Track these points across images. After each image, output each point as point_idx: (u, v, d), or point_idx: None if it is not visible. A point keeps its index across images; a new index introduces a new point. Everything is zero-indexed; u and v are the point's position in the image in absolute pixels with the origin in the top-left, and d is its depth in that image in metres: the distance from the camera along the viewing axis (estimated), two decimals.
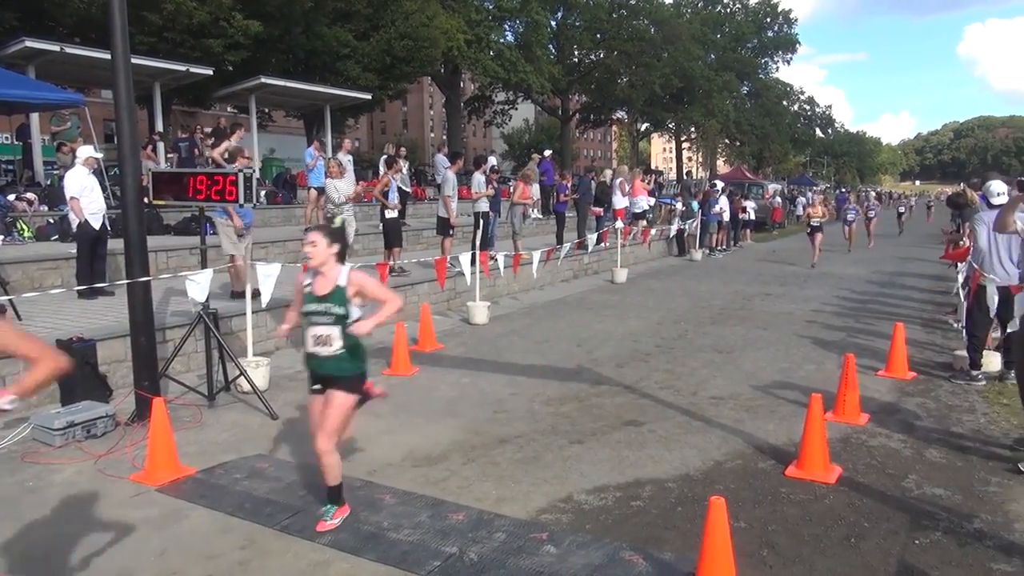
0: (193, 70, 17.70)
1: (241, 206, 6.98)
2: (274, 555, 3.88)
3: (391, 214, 11.50)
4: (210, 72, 18.42)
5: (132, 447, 5.41)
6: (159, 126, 18.29)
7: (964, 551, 3.84)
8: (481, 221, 12.77)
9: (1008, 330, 5.43)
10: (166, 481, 4.80)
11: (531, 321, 10.77)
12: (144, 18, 18.56)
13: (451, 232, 12.07)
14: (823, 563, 3.74)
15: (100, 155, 9.55)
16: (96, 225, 8.82)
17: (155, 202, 7.40)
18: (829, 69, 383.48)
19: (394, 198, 11.59)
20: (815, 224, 18.44)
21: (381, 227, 11.92)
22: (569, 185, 18.35)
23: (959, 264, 8.81)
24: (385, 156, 14.93)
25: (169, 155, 16.96)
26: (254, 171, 6.55)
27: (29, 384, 2.28)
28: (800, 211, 40.95)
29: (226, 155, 9.17)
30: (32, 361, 2.29)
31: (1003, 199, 7.13)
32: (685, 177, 40.83)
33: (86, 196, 8.73)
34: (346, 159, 14.51)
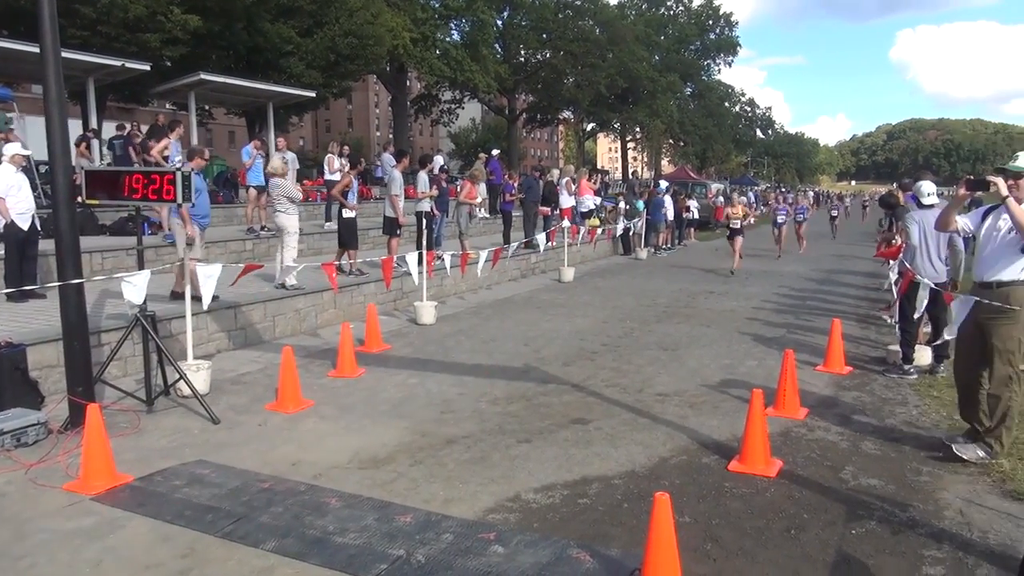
0: (129, 65, 17.15)
1: (191, 204, 6.80)
2: (216, 563, 3.79)
3: (349, 214, 11.35)
4: (147, 68, 17.86)
5: (66, 455, 5.22)
6: (93, 122, 17.70)
7: (898, 539, 3.97)
8: (424, 220, 12.70)
9: (946, 337, 5.63)
10: (102, 490, 4.64)
11: (478, 321, 10.76)
12: (77, 11, 17.97)
13: (398, 232, 11.97)
14: (765, 555, 3.82)
15: (28, 152, 9.18)
16: (24, 226, 8.49)
17: (88, 201, 7.15)
18: (769, 71, 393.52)
19: (353, 199, 11.44)
20: (735, 226, 16.74)
21: (337, 227, 11.75)
22: (515, 184, 18.40)
23: (891, 261, 9.11)
24: (347, 155, 14.63)
25: (106, 153, 16.44)
26: (192, 170, 6.38)
27: None
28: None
29: (166, 155, 8.94)
30: None
31: (933, 199, 7.39)
32: (631, 176, 41.29)
33: (13, 196, 8.39)
34: (290, 156, 14.27)
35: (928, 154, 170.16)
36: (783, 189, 61.19)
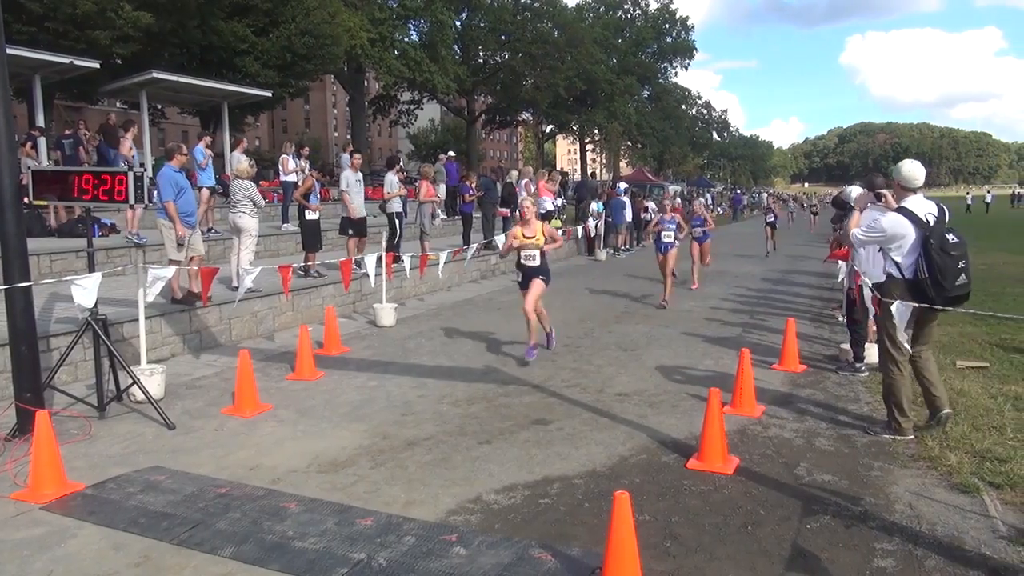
0: (77, 63, 16.75)
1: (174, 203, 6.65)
2: (172, 570, 3.72)
3: (312, 216, 11.22)
4: (96, 66, 17.46)
5: (13, 463, 5.07)
6: (40, 121, 17.21)
7: (850, 532, 4.07)
8: (396, 222, 12.65)
9: (903, 339, 5.81)
10: (52, 498, 4.52)
11: (439, 322, 10.73)
12: (22, 6, 17.46)
13: (350, 232, 11.86)
14: (723, 551, 3.88)
15: None
16: None
17: (36, 202, 6.96)
18: (724, 75, 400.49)
19: (316, 200, 11.32)
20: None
21: (297, 228, 11.62)
22: (473, 185, 18.41)
23: (840, 263, 9.31)
24: (307, 156, 14.35)
25: (53, 153, 16.00)
26: (145, 170, 6.25)
27: None
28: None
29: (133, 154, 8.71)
30: None
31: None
32: (590, 178, 41.56)
33: None
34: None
35: (877, 157, 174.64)
36: (662, 193, 61.95)
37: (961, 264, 5.25)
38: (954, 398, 6.36)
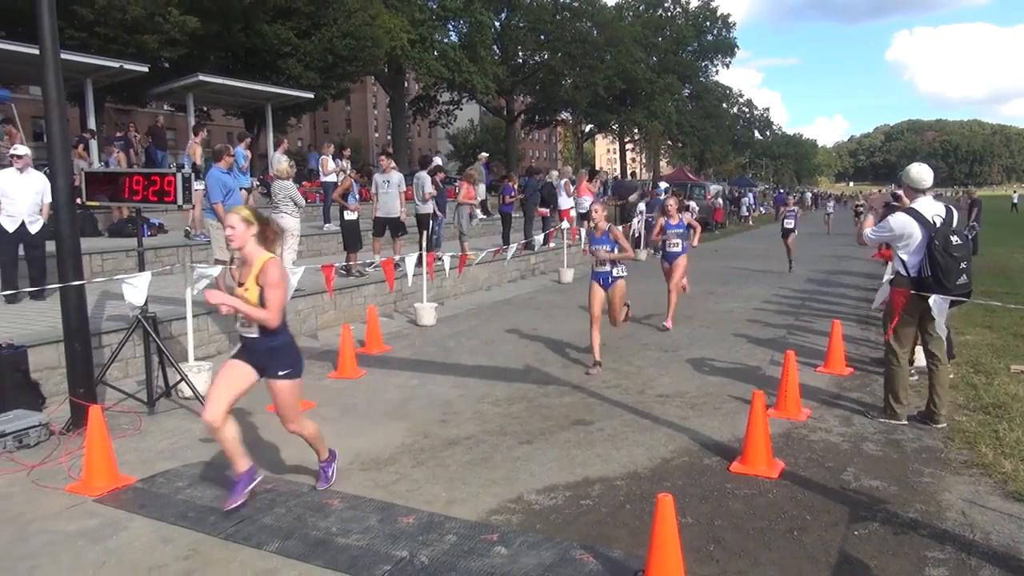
0: (127, 67, 17.17)
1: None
2: (219, 564, 3.79)
3: (351, 216, 11.34)
4: (145, 69, 17.88)
5: (67, 457, 5.22)
6: (91, 124, 17.69)
7: (900, 540, 3.98)
8: (430, 222, 12.68)
9: (938, 333, 5.77)
10: (104, 491, 4.64)
11: (479, 322, 10.76)
12: (75, 12, 17.93)
13: (377, 232, 11.95)
14: (767, 556, 3.83)
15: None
16: (12, 228, 8.44)
17: (88, 203, 7.15)
18: (766, 73, 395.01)
19: (354, 201, 11.43)
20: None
21: (340, 228, 11.76)
22: (515, 186, 18.43)
23: (888, 262, 9.10)
24: (349, 157, 14.42)
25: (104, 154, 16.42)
26: (191, 172, 6.37)
27: None
28: (744, 211, 41.56)
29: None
30: None
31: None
32: (630, 177, 41.32)
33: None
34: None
35: (926, 155, 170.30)
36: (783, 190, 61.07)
37: (963, 265, 5.47)
38: (1008, 403, 6.21)
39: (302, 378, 4.44)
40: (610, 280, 7.99)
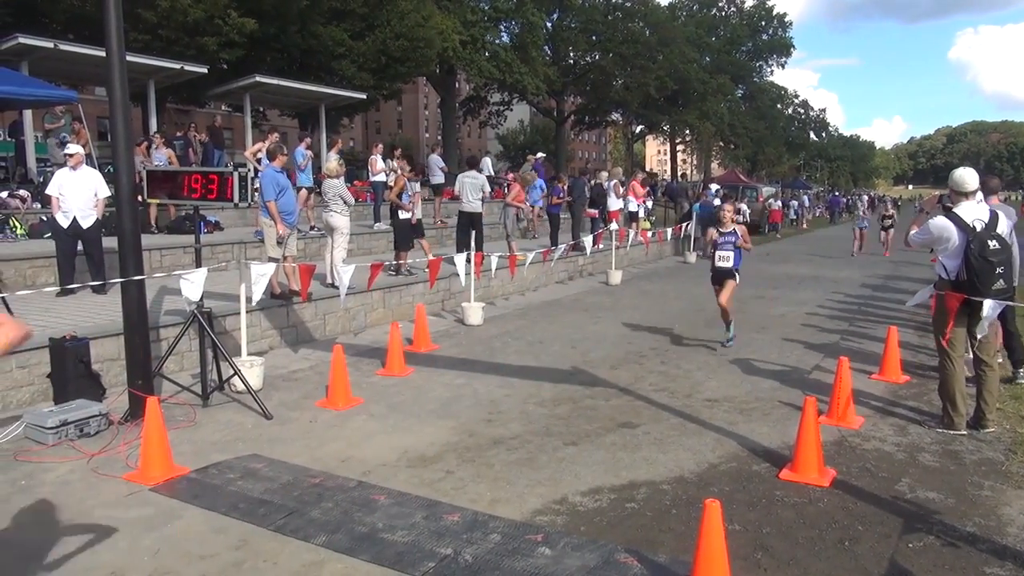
0: (187, 68, 17.64)
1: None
2: (268, 555, 3.87)
3: (404, 215, 11.48)
4: (204, 70, 18.37)
5: (126, 446, 5.39)
6: (153, 124, 18.22)
7: (957, 554, 3.85)
8: (474, 221, 12.74)
9: (978, 335, 5.63)
10: (160, 480, 4.78)
11: (525, 322, 10.77)
12: (139, 15, 18.49)
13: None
14: (817, 566, 3.74)
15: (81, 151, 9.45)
16: (66, 224, 8.71)
17: (149, 200, 7.36)
18: (822, 73, 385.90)
19: (407, 199, 11.57)
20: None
21: (391, 227, 11.92)
22: (564, 187, 18.38)
23: None
24: (400, 157, 14.50)
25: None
26: (249, 171, 6.51)
27: None
28: (792, 215, 40.74)
29: (259, 157, 9.12)
30: None
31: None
32: (680, 179, 40.88)
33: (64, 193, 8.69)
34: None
35: (991, 158, 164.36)
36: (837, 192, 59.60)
37: (999, 270, 5.45)
38: None
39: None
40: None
